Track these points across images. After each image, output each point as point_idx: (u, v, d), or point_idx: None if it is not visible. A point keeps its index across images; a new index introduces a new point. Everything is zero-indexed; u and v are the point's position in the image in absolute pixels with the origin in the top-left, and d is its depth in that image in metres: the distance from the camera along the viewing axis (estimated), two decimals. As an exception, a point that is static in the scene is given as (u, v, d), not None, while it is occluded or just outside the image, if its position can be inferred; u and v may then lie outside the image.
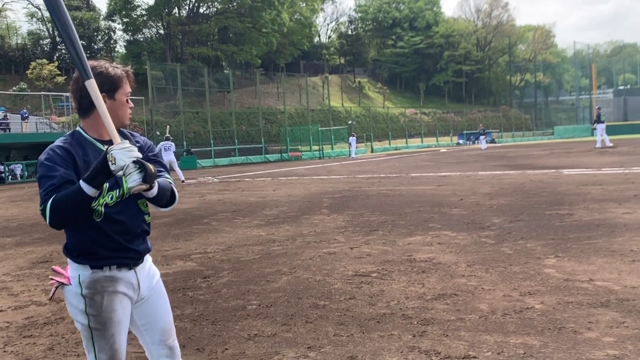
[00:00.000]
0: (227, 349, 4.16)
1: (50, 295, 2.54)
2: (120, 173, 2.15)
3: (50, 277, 2.55)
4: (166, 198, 2.49)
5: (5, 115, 36.45)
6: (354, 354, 3.90)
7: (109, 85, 2.44)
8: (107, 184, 2.36)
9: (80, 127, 2.50)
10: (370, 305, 4.98)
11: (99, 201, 2.35)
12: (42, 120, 39.31)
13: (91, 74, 2.29)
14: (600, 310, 4.47)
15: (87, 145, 2.43)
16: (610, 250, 6.50)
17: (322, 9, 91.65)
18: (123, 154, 2.14)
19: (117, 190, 2.41)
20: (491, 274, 5.78)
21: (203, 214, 12.11)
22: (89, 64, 2.36)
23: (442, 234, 8.21)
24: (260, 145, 50.19)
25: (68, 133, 2.51)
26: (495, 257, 6.53)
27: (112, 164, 2.13)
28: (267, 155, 48.81)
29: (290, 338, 4.30)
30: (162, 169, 2.59)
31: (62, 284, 2.45)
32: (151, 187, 2.27)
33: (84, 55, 2.31)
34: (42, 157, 2.37)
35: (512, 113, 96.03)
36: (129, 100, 2.56)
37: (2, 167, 33.65)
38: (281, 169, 31.07)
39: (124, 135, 2.53)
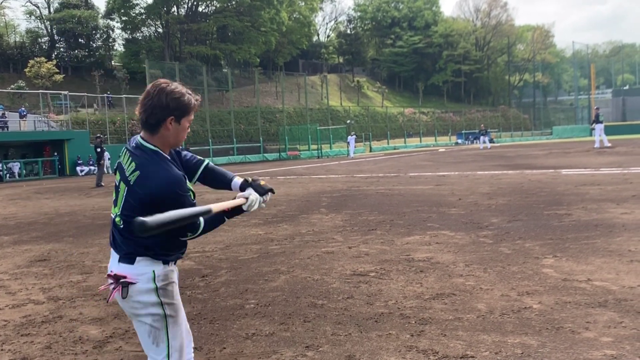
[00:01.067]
0: (225, 348, 4.16)
1: (109, 298, 2.72)
2: (254, 204, 2.84)
3: (111, 282, 2.62)
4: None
5: (3, 114, 36.40)
6: (352, 353, 3.90)
7: (180, 111, 2.59)
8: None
9: (153, 145, 2.62)
10: (368, 305, 4.98)
11: None
12: (40, 119, 39.24)
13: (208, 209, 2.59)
14: (598, 310, 4.48)
15: (167, 160, 2.66)
16: (609, 250, 6.50)
17: (321, 8, 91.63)
18: (255, 204, 2.82)
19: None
20: (489, 274, 5.79)
21: (201, 213, 12.09)
22: (167, 86, 2.59)
23: (440, 234, 8.22)
24: (259, 145, 50.16)
25: (154, 154, 2.61)
26: (493, 257, 6.53)
27: (248, 204, 2.80)
28: (265, 155, 48.77)
29: (288, 337, 4.30)
30: (193, 156, 2.93)
31: (130, 283, 2.58)
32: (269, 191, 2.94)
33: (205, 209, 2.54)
34: (172, 187, 2.55)
35: (510, 113, 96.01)
36: (189, 127, 2.73)
37: (0, 165, 33.60)
38: (280, 168, 31.07)
39: (171, 155, 2.71)
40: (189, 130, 2.71)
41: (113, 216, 2.68)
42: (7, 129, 35.64)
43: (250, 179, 2.81)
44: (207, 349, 4.15)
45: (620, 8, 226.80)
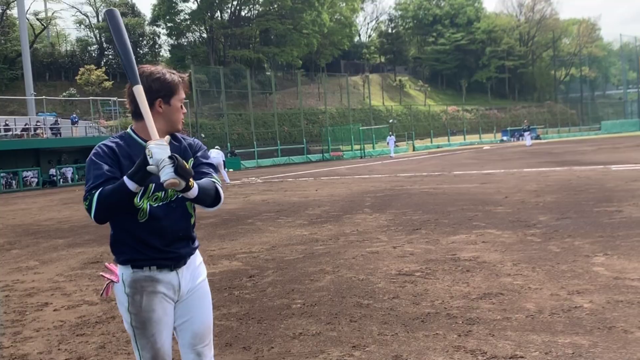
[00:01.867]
0: (272, 348, 4.21)
1: (101, 292, 2.63)
2: (155, 169, 2.18)
3: (100, 274, 2.62)
4: (210, 198, 2.46)
5: (57, 121, 37.55)
6: (399, 353, 3.90)
7: (166, 91, 2.49)
8: (153, 185, 2.42)
9: (132, 129, 2.56)
10: (414, 305, 4.98)
11: (143, 201, 2.43)
12: (91, 125, 40.32)
13: (139, 80, 2.37)
14: (651, 310, 4.37)
15: (134, 145, 2.48)
16: (662, 248, 6.33)
17: (362, 8, 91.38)
18: (159, 149, 2.18)
19: (163, 192, 2.47)
20: (538, 273, 5.70)
21: (247, 214, 12.25)
22: (147, 68, 2.47)
23: (486, 233, 8.12)
24: (302, 146, 50.38)
25: (118, 134, 2.59)
26: (541, 256, 6.43)
27: (150, 157, 2.18)
28: (309, 156, 48.96)
29: (334, 337, 4.33)
30: (210, 169, 2.59)
31: (112, 281, 2.54)
32: (189, 186, 2.24)
33: (134, 61, 2.39)
34: (90, 154, 2.45)
35: (557, 108, 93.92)
36: (183, 106, 2.60)
37: (54, 170, 34.65)
38: (323, 169, 31.15)
39: (175, 139, 2.58)
40: (184, 111, 2.59)
41: None
42: (60, 135, 36.75)
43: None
44: (256, 348, 4.22)
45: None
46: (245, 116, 53.15)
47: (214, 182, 2.51)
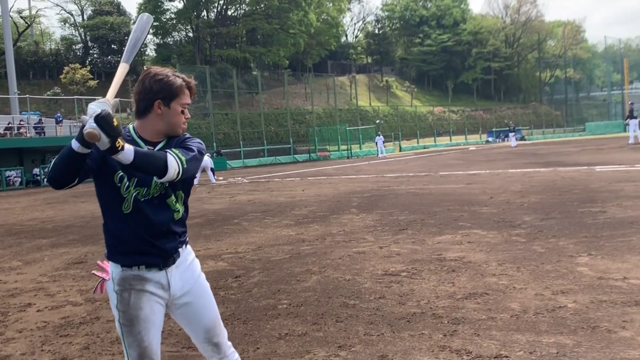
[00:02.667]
0: (258, 348, 4.20)
1: (94, 289, 2.67)
2: (86, 118, 2.15)
3: (92, 272, 2.67)
4: (154, 167, 2.34)
5: (40, 120, 37.21)
6: (385, 353, 3.90)
7: (166, 93, 2.50)
8: (136, 179, 2.44)
9: (132, 126, 2.60)
10: (400, 305, 4.98)
11: (129, 191, 2.46)
12: (76, 124, 39.97)
13: (130, 61, 2.44)
14: (635, 309, 4.41)
15: (129, 141, 2.44)
16: (645, 248, 6.39)
17: (349, 9, 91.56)
18: (96, 105, 2.18)
19: (146, 188, 2.49)
20: (522, 273, 5.73)
21: (233, 215, 12.22)
22: (153, 69, 2.54)
23: (472, 233, 8.16)
24: (289, 146, 50.36)
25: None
26: (526, 256, 6.47)
27: (87, 112, 2.17)
28: (295, 156, 48.94)
29: (320, 337, 4.33)
30: (177, 149, 2.47)
31: (104, 279, 2.59)
32: (115, 146, 2.17)
33: (137, 49, 2.50)
34: None
35: (542, 110, 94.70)
36: (185, 111, 2.59)
37: (38, 170, 34.36)
38: (310, 169, 31.15)
39: (172, 141, 2.58)
40: (187, 116, 2.59)
41: None
42: (44, 135, 36.42)
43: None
44: (241, 349, 4.20)
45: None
46: (231, 116, 53.04)
47: (167, 152, 2.40)
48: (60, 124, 37.61)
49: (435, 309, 4.78)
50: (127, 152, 2.22)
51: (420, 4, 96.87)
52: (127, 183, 2.46)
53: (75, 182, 2.34)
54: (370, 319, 4.67)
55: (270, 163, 45.41)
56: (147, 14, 2.64)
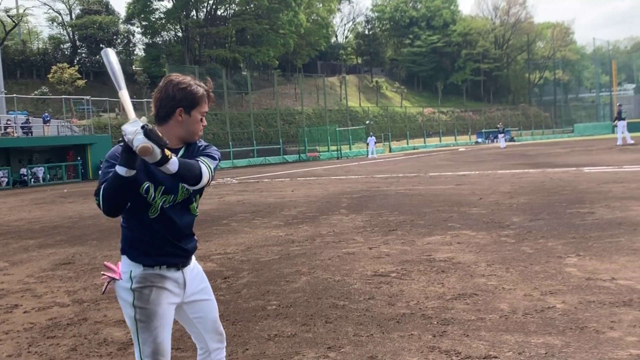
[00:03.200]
0: (247, 349, 4.18)
1: (103, 289, 2.73)
2: (130, 137, 2.23)
3: (102, 272, 2.67)
4: (193, 175, 2.47)
5: (27, 119, 36.94)
6: (374, 354, 3.90)
7: (188, 102, 2.59)
8: (163, 188, 2.56)
9: None
10: (389, 306, 4.98)
11: (156, 200, 2.57)
12: (64, 124, 39.75)
13: (123, 86, 2.51)
14: (622, 310, 4.43)
15: None
16: (633, 249, 6.42)
17: (338, 9, 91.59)
18: (130, 125, 2.25)
19: (173, 195, 2.61)
20: (511, 274, 5.75)
21: (222, 215, 12.18)
22: (175, 77, 2.62)
23: (461, 234, 8.18)
24: (279, 146, 50.29)
25: None
26: (515, 257, 6.49)
27: (125, 135, 2.25)
28: (285, 156, 48.88)
29: (310, 338, 4.31)
30: (204, 158, 2.59)
31: (113, 279, 2.62)
32: (165, 156, 2.26)
33: (120, 73, 2.55)
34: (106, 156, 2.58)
35: (531, 111, 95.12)
36: (204, 119, 2.70)
37: (25, 170, 34.11)
38: (299, 170, 31.13)
39: (191, 148, 2.70)
40: (204, 123, 2.70)
41: None
42: (32, 135, 36.16)
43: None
44: (230, 350, 4.18)
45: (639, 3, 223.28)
46: (220, 116, 52.89)
47: (199, 160, 2.53)
48: (47, 124, 37.34)
49: (424, 310, 4.79)
50: (173, 161, 2.32)
51: (411, 5, 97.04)
52: (153, 194, 2.56)
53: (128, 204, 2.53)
54: (359, 319, 4.66)
55: (259, 163, 45.33)
56: (105, 49, 2.72)
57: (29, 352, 4.44)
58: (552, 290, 5.09)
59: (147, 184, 2.54)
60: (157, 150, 2.23)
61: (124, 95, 2.49)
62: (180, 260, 2.68)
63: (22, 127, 35.74)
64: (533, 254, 6.57)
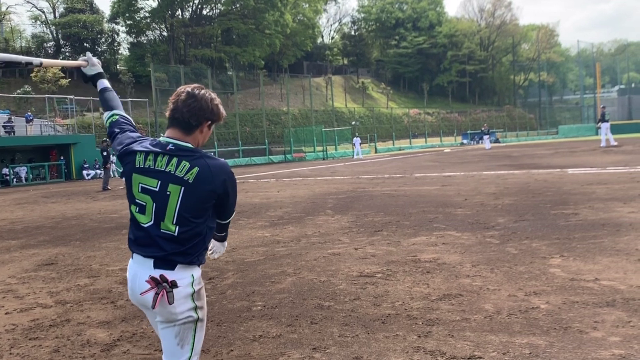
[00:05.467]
0: (232, 350, 4.16)
1: (154, 304, 2.51)
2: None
3: (156, 284, 2.52)
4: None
5: (10, 118, 36.53)
6: (359, 355, 3.89)
7: (216, 117, 2.72)
8: None
9: (192, 145, 2.69)
10: (375, 306, 4.98)
11: None
12: (47, 123, 39.36)
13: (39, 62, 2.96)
14: (606, 310, 4.46)
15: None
16: (616, 250, 6.48)
17: (325, 10, 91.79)
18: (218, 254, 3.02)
19: None
20: (496, 274, 5.77)
21: (207, 216, 12.10)
22: (208, 92, 2.71)
23: (446, 234, 8.20)
24: (264, 147, 50.22)
25: (200, 151, 2.70)
26: (500, 257, 6.52)
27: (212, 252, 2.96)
28: (270, 157, 48.82)
29: (295, 339, 4.30)
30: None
31: (166, 289, 2.52)
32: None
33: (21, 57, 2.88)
34: (233, 176, 2.72)
35: (516, 113, 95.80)
36: None
37: (7, 170, 33.75)
38: (285, 170, 31.09)
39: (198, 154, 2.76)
40: None
41: (148, 224, 2.63)
42: (14, 134, 35.77)
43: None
44: (215, 351, 4.16)
45: (624, 6, 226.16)
46: (206, 116, 52.65)
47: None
48: (30, 123, 36.97)
49: (409, 310, 4.79)
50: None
51: (397, 6, 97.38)
52: None
53: None
54: (345, 320, 4.65)
55: (245, 164, 45.22)
56: None
57: (10, 353, 4.39)
58: (536, 290, 5.11)
59: None
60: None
61: (48, 61, 2.72)
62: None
63: (5, 127, 35.33)
64: (517, 254, 6.61)
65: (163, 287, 2.52)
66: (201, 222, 2.63)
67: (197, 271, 2.71)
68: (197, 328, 2.69)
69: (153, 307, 2.52)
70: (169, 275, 2.55)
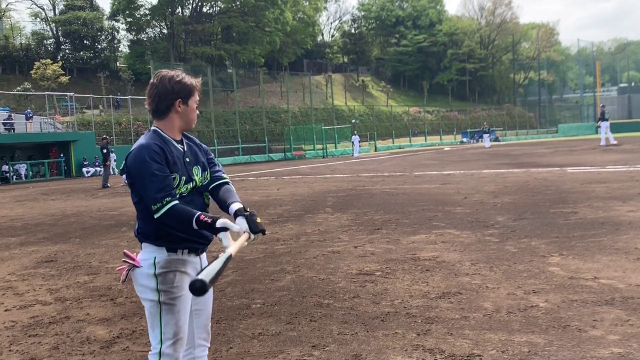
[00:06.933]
0: (231, 348, 4.17)
1: (123, 278, 2.75)
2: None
3: (123, 260, 2.72)
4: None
5: (10, 115, 36.52)
6: (358, 353, 3.90)
7: (185, 93, 2.74)
8: (184, 177, 2.72)
9: (158, 128, 2.78)
10: (374, 304, 4.99)
11: (179, 188, 2.69)
12: (46, 120, 39.38)
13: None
14: (604, 308, 4.47)
15: (169, 143, 2.74)
16: (615, 248, 6.48)
17: (325, 8, 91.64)
18: (226, 241, 2.60)
19: (191, 182, 2.76)
20: (495, 273, 5.78)
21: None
22: (167, 72, 2.74)
23: (446, 233, 8.21)
24: (264, 145, 50.20)
25: (149, 132, 2.78)
26: (499, 256, 6.52)
27: (220, 240, 2.61)
28: (270, 155, 48.80)
29: (294, 337, 4.31)
30: (221, 169, 2.95)
31: (135, 266, 2.69)
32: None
33: None
34: (140, 154, 2.61)
35: (516, 111, 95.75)
36: (197, 107, 2.87)
37: (7, 167, 33.74)
38: (285, 168, 31.09)
39: (188, 138, 2.90)
40: (197, 111, 2.86)
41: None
42: (14, 131, 35.77)
43: (248, 210, 2.75)
44: (214, 348, 4.16)
45: (625, 5, 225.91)
46: (205, 114, 52.64)
47: (229, 183, 2.93)
48: (30, 120, 36.96)
49: (409, 309, 4.80)
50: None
51: (397, 4, 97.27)
52: (179, 181, 2.70)
53: None
54: (344, 318, 4.66)
55: (245, 162, 45.22)
56: None
57: (10, 350, 4.39)
58: (535, 289, 5.12)
59: (174, 175, 2.68)
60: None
61: (234, 249, 2.63)
62: (200, 246, 2.82)
63: (4, 124, 35.33)
64: (517, 253, 6.61)
65: (126, 264, 2.70)
66: (143, 202, 2.67)
67: (162, 254, 2.69)
68: (162, 311, 2.68)
69: (122, 282, 2.75)
70: (140, 254, 2.74)
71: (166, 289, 2.68)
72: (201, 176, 2.82)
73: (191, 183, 2.76)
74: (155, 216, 2.58)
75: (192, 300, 2.84)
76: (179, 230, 2.65)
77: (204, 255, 2.93)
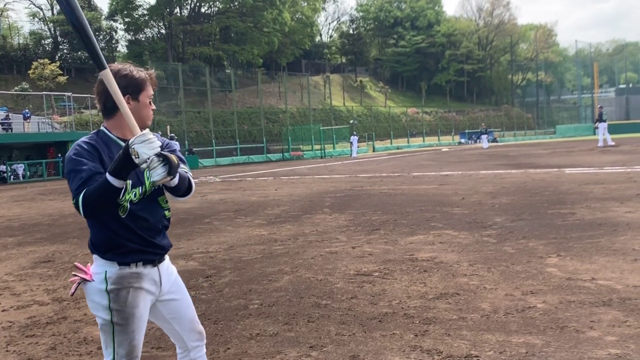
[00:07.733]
0: (229, 349, 4.16)
1: (72, 291, 2.57)
2: (145, 166, 2.22)
3: (73, 273, 2.56)
4: (184, 187, 2.57)
5: (7, 115, 36.44)
6: (356, 353, 3.90)
7: (133, 88, 2.56)
8: (130, 182, 2.46)
9: (105, 127, 2.61)
10: (372, 305, 4.98)
11: (124, 197, 2.45)
12: (44, 120, 39.30)
13: (106, 64, 2.35)
14: (602, 310, 4.47)
15: (111, 143, 2.54)
16: (613, 249, 6.49)
17: (323, 8, 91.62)
18: (145, 148, 2.21)
19: (140, 187, 2.52)
20: (493, 273, 5.78)
21: (205, 214, 12.11)
22: (114, 66, 2.51)
23: (444, 233, 8.21)
24: (262, 145, 50.16)
25: (93, 132, 2.62)
26: (497, 256, 6.52)
27: (135, 157, 2.20)
28: (269, 155, 48.75)
29: (292, 337, 4.30)
30: (184, 165, 2.63)
31: (85, 280, 2.52)
32: (173, 178, 2.35)
33: (98, 46, 2.36)
34: (69, 152, 2.46)
35: (513, 112, 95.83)
36: (152, 103, 2.68)
37: (4, 167, 33.68)
38: (283, 169, 31.08)
39: None
40: (153, 107, 2.68)
41: None
42: (11, 131, 35.68)
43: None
44: (212, 349, 4.16)
45: (623, 6, 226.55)
46: (203, 114, 52.69)
47: (186, 172, 2.60)
48: (28, 120, 36.89)
49: (406, 309, 4.79)
50: (176, 178, 2.39)
51: (395, 5, 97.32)
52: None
53: None
54: (342, 319, 4.66)
55: (243, 162, 45.17)
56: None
57: (7, 351, 4.38)
58: (533, 290, 5.12)
59: None
60: (176, 180, 2.35)
61: (111, 78, 2.34)
62: (155, 257, 2.61)
63: (2, 123, 35.24)
64: (514, 254, 6.62)
65: (80, 277, 2.53)
66: None
67: (113, 268, 2.50)
68: (116, 332, 2.51)
69: (71, 295, 2.59)
70: (92, 267, 2.57)
71: (119, 308, 2.49)
72: None
73: (140, 188, 2.52)
74: (81, 213, 2.34)
75: (164, 311, 2.73)
76: (110, 205, 2.37)
77: (164, 264, 2.70)
